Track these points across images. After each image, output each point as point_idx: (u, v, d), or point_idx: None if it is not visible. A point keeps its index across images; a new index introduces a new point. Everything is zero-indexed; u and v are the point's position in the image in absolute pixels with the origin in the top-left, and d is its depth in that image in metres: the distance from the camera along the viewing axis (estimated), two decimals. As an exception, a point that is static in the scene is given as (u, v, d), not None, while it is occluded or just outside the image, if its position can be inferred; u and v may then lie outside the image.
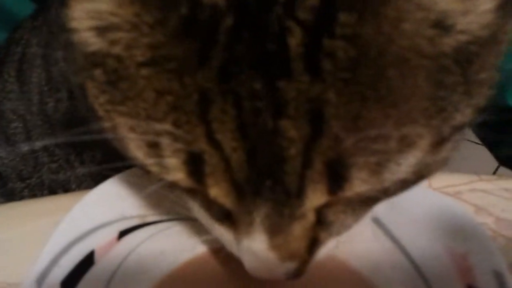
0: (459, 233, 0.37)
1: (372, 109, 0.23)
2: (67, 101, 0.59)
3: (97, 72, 0.27)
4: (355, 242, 0.38)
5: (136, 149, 0.27)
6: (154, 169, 0.27)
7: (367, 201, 0.29)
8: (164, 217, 0.41)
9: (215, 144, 0.25)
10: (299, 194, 0.26)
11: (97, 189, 0.40)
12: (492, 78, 0.27)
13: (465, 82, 0.25)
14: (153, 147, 0.26)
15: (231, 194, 0.26)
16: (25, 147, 0.62)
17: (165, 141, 0.25)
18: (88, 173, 0.61)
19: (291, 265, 0.29)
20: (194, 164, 0.26)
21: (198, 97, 0.24)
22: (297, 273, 0.30)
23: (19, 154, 0.63)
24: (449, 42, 0.24)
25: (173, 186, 0.29)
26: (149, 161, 0.27)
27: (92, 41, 0.27)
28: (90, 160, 0.61)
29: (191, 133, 0.25)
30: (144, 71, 0.25)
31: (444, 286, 0.36)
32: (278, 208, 0.26)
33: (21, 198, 0.63)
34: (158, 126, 0.25)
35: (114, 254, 0.39)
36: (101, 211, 0.39)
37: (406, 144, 0.25)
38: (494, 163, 0.76)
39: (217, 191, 0.26)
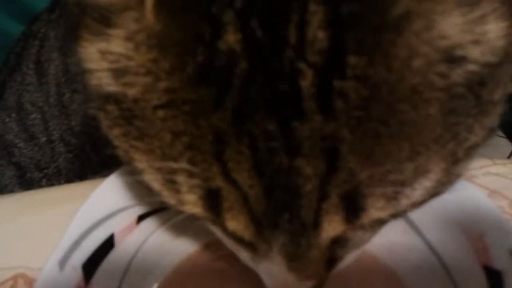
0: (474, 214, 0.37)
1: (386, 144, 0.24)
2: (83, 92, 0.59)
3: (111, 108, 0.27)
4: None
5: (152, 181, 0.28)
6: (171, 201, 0.27)
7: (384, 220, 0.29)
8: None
9: (232, 182, 0.25)
10: (315, 225, 0.26)
11: (116, 174, 0.40)
12: (506, 94, 0.27)
13: (478, 104, 0.25)
14: (170, 182, 0.26)
15: (250, 227, 0.27)
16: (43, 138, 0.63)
17: (181, 178, 0.26)
18: (102, 162, 0.62)
19: (309, 284, 0.30)
20: (212, 199, 0.26)
21: (213, 138, 0.24)
22: None
23: (38, 144, 0.64)
24: (461, 73, 0.24)
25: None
26: (165, 194, 0.27)
27: (106, 82, 0.27)
28: (105, 150, 0.61)
29: (207, 171, 0.25)
30: (160, 113, 0.25)
31: (461, 266, 0.36)
32: (295, 238, 0.27)
33: (39, 187, 0.64)
34: (174, 165, 0.26)
35: (133, 237, 0.39)
36: (120, 196, 0.40)
37: (421, 171, 0.25)
38: (508, 147, 0.75)
39: (236, 225, 0.27)
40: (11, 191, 0.65)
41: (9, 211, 0.42)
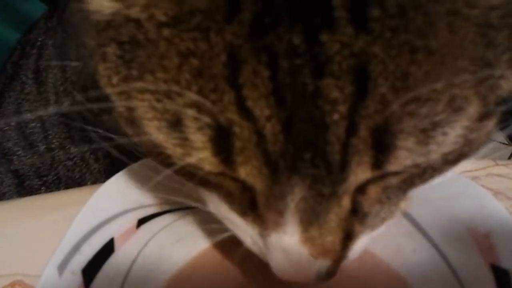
0: (479, 213, 0.36)
1: (422, 64, 0.21)
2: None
3: (111, 49, 0.25)
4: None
5: (157, 131, 0.25)
6: (176, 151, 0.25)
7: (403, 187, 0.28)
8: (181, 205, 0.41)
9: (246, 114, 0.22)
10: (343, 167, 0.23)
11: (115, 178, 0.40)
12: None
13: (510, 48, 0.24)
14: (175, 125, 0.24)
15: (263, 172, 0.24)
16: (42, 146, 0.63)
17: (188, 116, 0.23)
18: (103, 169, 0.62)
19: (324, 263, 0.27)
20: (222, 140, 0.23)
21: (226, 58, 0.22)
22: (330, 273, 0.28)
23: (37, 152, 0.63)
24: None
25: (191, 173, 0.27)
26: (171, 143, 0.25)
27: (107, 5, 0.25)
28: (105, 157, 0.61)
29: (218, 102, 0.22)
30: (166, 32, 0.23)
31: (467, 266, 0.35)
32: (316, 187, 0.24)
33: (38, 196, 0.64)
34: (181, 99, 0.23)
35: (133, 242, 0.39)
36: (120, 200, 0.39)
37: (454, 109, 0.23)
38: (508, 149, 0.75)
39: (247, 170, 0.24)
40: (10, 199, 0.64)
41: (7, 217, 0.42)
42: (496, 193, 0.42)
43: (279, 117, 0.22)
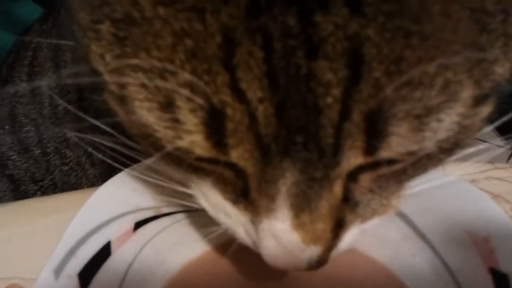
0: (479, 216, 0.36)
1: (416, 48, 0.22)
2: (77, 103, 0.59)
3: (105, 26, 0.25)
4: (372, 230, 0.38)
5: (147, 113, 0.25)
6: (167, 133, 0.25)
7: (396, 177, 0.28)
8: (179, 208, 0.41)
9: (239, 96, 0.22)
10: (335, 151, 0.23)
11: (112, 181, 0.40)
12: None
13: (504, 34, 0.24)
14: (167, 107, 0.24)
15: (255, 156, 0.24)
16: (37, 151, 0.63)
17: (181, 97, 0.23)
18: (99, 174, 0.61)
19: (314, 251, 0.27)
20: (214, 122, 0.23)
21: (221, 38, 0.22)
22: (320, 262, 0.28)
23: (32, 157, 0.63)
24: None
25: (180, 159, 0.27)
26: (162, 125, 0.25)
27: None
28: (101, 162, 0.61)
29: (212, 83, 0.22)
30: (162, 11, 0.22)
31: (466, 270, 0.35)
32: (308, 171, 0.24)
33: (34, 201, 0.63)
34: (175, 79, 0.23)
35: (130, 245, 0.38)
36: (117, 203, 0.39)
37: (447, 94, 0.23)
38: (506, 152, 0.75)
39: (239, 153, 0.24)
40: (6, 203, 0.64)
41: (3, 220, 0.41)
42: (495, 196, 0.42)
43: (272, 99, 0.22)
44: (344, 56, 0.21)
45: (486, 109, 0.26)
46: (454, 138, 0.25)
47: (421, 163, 0.27)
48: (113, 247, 0.38)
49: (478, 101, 0.25)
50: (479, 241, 0.35)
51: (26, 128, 0.63)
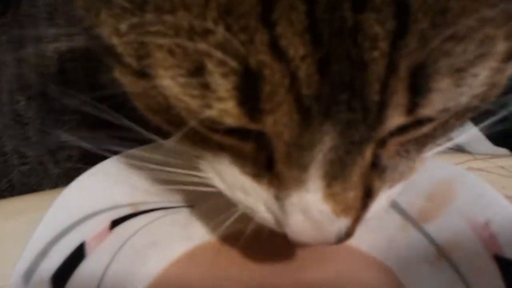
0: (478, 201, 0.35)
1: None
2: (41, 98, 0.56)
3: None
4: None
5: (172, 82, 0.23)
6: (193, 103, 0.23)
7: (423, 139, 0.27)
8: (158, 205, 0.38)
9: (279, 54, 0.21)
10: (380, 109, 0.22)
11: (86, 175, 0.37)
12: None
13: None
14: (196, 73, 0.22)
15: (294, 119, 0.23)
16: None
17: (213, 60, 0.21)
18: (63, 174, 0.58)
19: (344, 222, 0.26)
20: (248, 87, 0.22)
21: None
22: (348, 234, 0.27)
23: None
24: None
25: (199, 135, 0.26)
26: (188, 93, 0.23)
27: None
28: (66, 160, 0.57)
29: (248, 43, 0.21)
30: None
31: (468, 259, 0.34)
32: (349, 133, 0.23)
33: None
34: (205, 42, 0.21)
35: (106, 245, 0.36)
36: (91, 199, 0.36)
37: (484, 47, 0.23)
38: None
39: (276, 118, 0.23)
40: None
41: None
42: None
43: (315, 56, 0.21)
44: (392, 7, 0.20)
45: (510, 70, 0.26)
46: (483, 95, 0.25)
47: (450, 123, 0.27)
48: (88, 248, 0.35)
49: (509, 56, 0.24)
50: (479, 227, 0.34)
51: None
